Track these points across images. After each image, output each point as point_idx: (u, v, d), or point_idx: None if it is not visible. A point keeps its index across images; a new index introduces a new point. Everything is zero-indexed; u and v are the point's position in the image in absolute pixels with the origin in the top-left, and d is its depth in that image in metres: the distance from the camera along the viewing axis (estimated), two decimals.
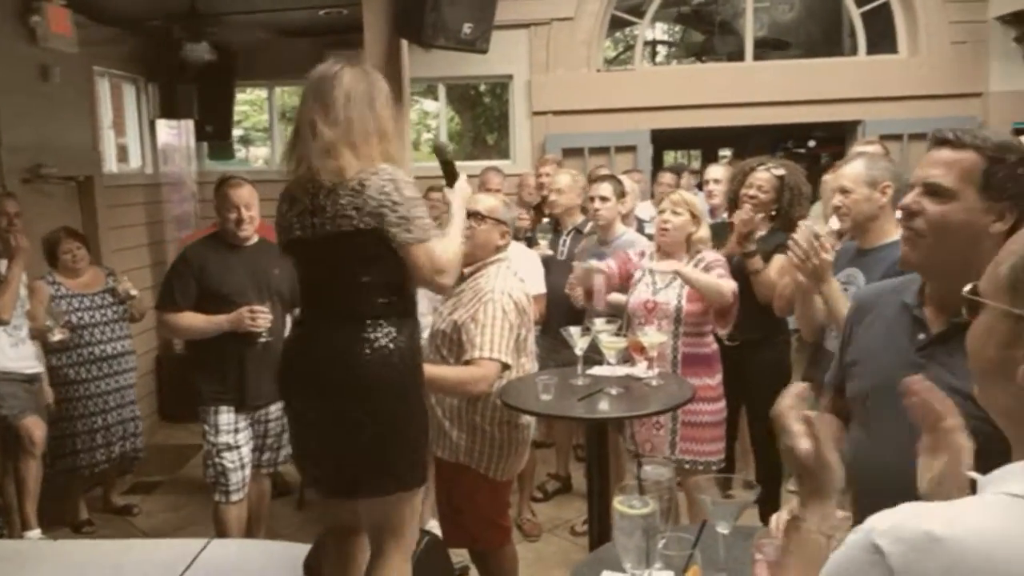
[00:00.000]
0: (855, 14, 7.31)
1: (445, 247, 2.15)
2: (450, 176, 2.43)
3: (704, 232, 3.26)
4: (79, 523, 4.32)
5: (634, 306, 3.21)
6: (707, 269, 3.12)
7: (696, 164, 10.50)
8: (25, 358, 3.92)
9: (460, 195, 2.38)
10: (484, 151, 8.94)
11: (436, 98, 8.07)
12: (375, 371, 2.06)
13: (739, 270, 3.23)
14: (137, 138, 6.65)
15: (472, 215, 2.77)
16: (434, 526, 3.78)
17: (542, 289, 3.88)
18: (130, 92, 6.57)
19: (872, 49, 7.34)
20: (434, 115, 8.86)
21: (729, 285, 3.05)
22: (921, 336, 1.44)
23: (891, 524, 0.83)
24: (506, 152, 7.54)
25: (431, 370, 2.61)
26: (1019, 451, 0.86)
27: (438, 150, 2.59)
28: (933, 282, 1.47)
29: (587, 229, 4.14)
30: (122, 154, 6.53)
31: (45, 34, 4.75)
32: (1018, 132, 6.08)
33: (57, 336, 4.02)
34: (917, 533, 0.80)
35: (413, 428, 2.15)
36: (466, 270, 2.83)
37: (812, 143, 9.83)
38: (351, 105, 2.09)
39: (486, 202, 2.92)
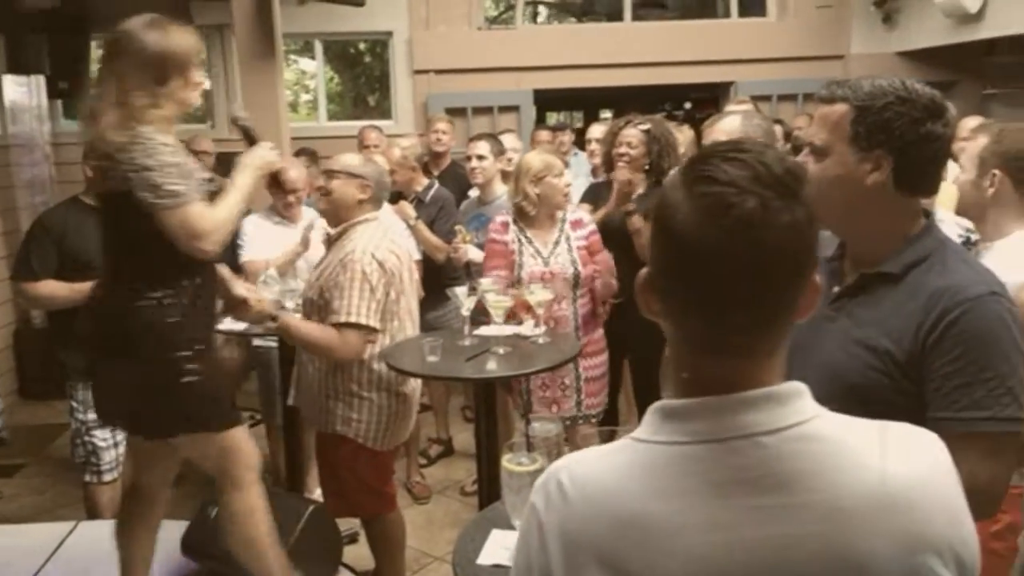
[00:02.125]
0: None
1: (205, 213, 2.16)
2: (252, 144, 2.43)
3: (567, 179, 3.32)
4: None
5: (530, 277, 3.17)
6: (589, 243, 3.24)
7: (579, 125, 10.59)
8: None
9: (250, 162, 2.36)
10: (365, 111, 8.70)
11: (313, 57, 7.77)
12: (150, 329, 2.17)
13: (620, 229, 3.28)
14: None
15: (325, 172, 2.81)
16: (319, 494, 3.73)
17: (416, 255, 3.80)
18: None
19: (744, 12, 7.56)
20: (312, 75, 8.53)
21: (606, 258, 3.19)
22: (835, 288, 1.43)
23: (543, 478, 0.87)
24: (388, 112, 7.37)
25: (303, 327, 2.67)
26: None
27: (235, 119, 2.55)
28: (839, 236, 1.45)
29: (428, 197, 4.04)
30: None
31: None
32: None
33: None
34: (553, 484, 0.84)
35: (199, 377, 2.22)
36: (332, 232, 2.78)
37: (688, 104, 10.08)
38: (129, 67, 2.12)
39: (340, 159, 2.83)
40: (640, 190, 3.38)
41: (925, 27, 6.84)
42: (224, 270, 3.59)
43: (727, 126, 2.63)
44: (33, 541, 2.91)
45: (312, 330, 2.65)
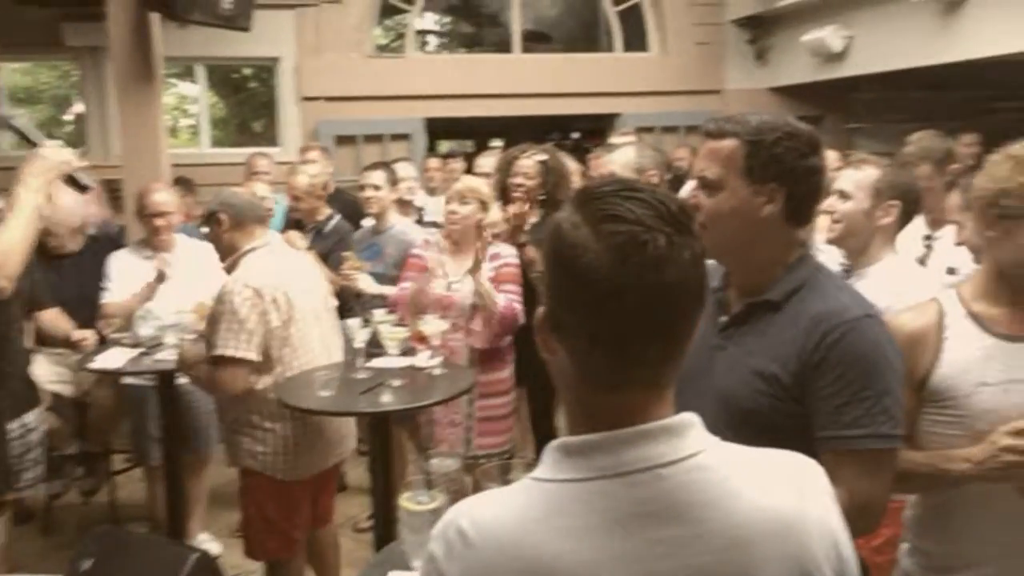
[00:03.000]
0: (611, 12, 7.76)
1: None
2: (30, 146, 2.12)
3: (494, 215, 3.22)
4: None
5: (428, 302, 3.12)
6: (497, 273, 3.10)
7: (470, 150, 10.67)
8: None
9: (31, 170, 2.04)
10: (251, 138, 8.47)
11: (195, 80, 7.51)
12: None
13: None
14: None
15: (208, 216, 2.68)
16: (203, 540, 3.54)
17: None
18: None
19: (628, 47, 7.83)
20: (193, 99, 8.25)
21: (504, 305, 3.01)
22: (722, 318, 1.45)
23: (441, 526, 0.85)
24: (274, 140, 7.20)
25: (194, 369, 2.64)
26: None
27: (2, 119, 2.25)
28: (727, 268, 1.48)
29: (328, 228, 3.97)
30: None
31: None
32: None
33: None
34: (453, 531, 0.83)
35: None
36: (224, 266, 2.69)
37: (576, 135, 10.33)
38: None
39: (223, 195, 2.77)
40: (533, 218, 3.40)
41: (794, 65, 7.27)
42: (50, 313, 3.37)
43: (622, 157, 2.71)
44: None
45: (201, 369, 2.59)
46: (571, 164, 4.22)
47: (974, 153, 3.57)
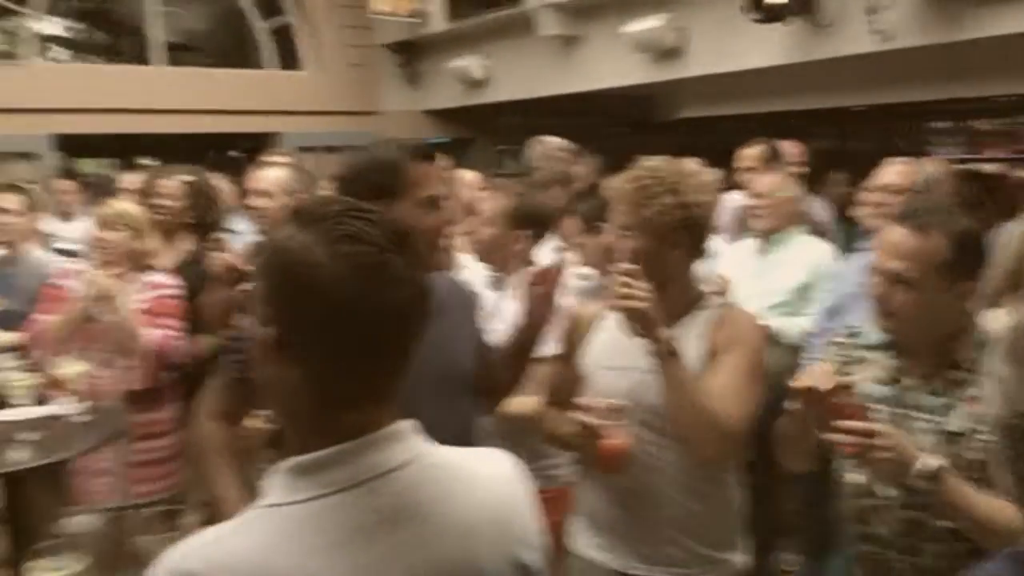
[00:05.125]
0: (260, 28, 7.60)
1: None
2: None
3: (150, 243, 2.99)
4: None
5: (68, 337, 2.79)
6: (154, 304, 2.90)
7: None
8: None
9: None
10: None
11: None
12: None
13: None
14: None
15: None
16: None
17: None
18: None
19: (283, 64, 7.73)
20: None
21: (148, 335, 2.83)
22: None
23: (168, 569, 0.82)
24: None
25: None
26: (288, 450, 0.91)
27: None
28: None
29: None
30: None
31: None
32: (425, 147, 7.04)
33: None
34: (180, 575, 0.81)
35: None
36: None
37: (234, 153, 9.93)
38: None
39: None
40: (187, 246, 3.23)
41: (443, 90, 7.73)
42: None
43: (274, 175, 2.75)
44: None
45: None
46: (224, 185, 4.07)
47: (591, 173, 4.06)
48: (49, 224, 4.58)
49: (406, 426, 0.91)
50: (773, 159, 3.62)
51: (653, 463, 1.65)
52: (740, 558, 1.74)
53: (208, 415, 1.63)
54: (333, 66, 7.71)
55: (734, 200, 3.56)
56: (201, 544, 0.83)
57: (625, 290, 1.52)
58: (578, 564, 1.78)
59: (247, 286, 2.30)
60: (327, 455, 0.85)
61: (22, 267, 3.33)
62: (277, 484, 0.86)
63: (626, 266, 1.56)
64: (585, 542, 1.78)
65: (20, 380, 2.44)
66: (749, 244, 3.10)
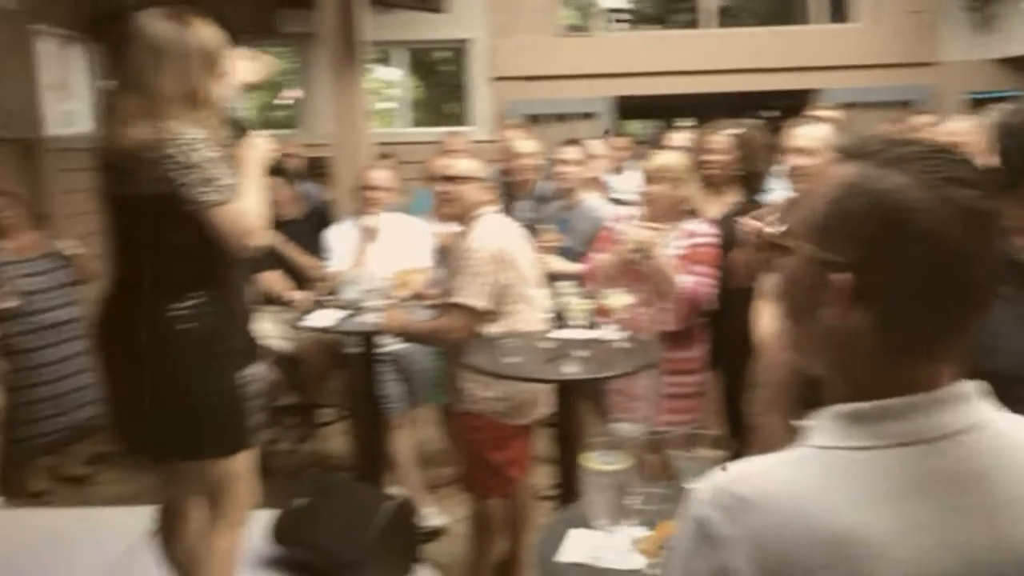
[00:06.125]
0: None
1: (252, 208, 2.06)
2: (243, 136, 2.25)
3: (688, 191, 3.15)
4: (37, 492, 4.23)
5: (617, 275, 3.11)
6: (690, 251, 3.06)
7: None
8: None
9: (253, 156, 2.18)
10: (443, 119, 8.84)
11: (391, 65, 7.93)
12: (169, 341, 2.03)
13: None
14: (86, 100, 6.43)
15: (449, 178, 2.91)
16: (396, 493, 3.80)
17: (427, 263, 3.86)
18: (77, 54, 6.34)
19: (830, 18, 7.40)
20: (389, 83, 8.72)
21: (688, 286, 2.99)
22: None
23: (710, 493, 0.82)
24: (466, 120, 7.47)
25: (408, 326, 2.99)
26: (828, 395, 0.86)
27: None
28: None
29: (541, 195, 4.11)
30: (72, 118, 6.32)
31: None
32: (976, 103, 6.19)
33: (5, 304, 3.90)
34: (731, 498, 0.80)
35: (218, 396, 2.11)
36: (458, 231, 2.97)
37: (767, 112, 9.92)
38: (154, 67, 1.99)
39: (459, 165, 2.99)
40: (734, 198, 3.33)
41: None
42: (270, 275, 3.72)
43: (816, 133, 2.61)
44: (125, 522, 3.05)
45: (417, 326, 3.00)
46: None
47: None
48: (605, 176, 5.14)
49: (971, 387, 0.82)
50: None
51: None
52: None
53: (783, 345, 1.65)
54: (888, 15, 7.13)
55: None
56: (749, 472, 0.84)
57: None
58: None
59: (773, 251, 2.27)
60: (891, 405, 0.80)
61: (578, 211, 3.81)
62: (826, 428, 0.83)
63: None
64: None
65: (578, 304, 2.79)
66: None
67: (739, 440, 2.94)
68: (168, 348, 2.03)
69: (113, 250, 2.14)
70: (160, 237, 2.02)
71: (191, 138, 1.95)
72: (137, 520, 2.99)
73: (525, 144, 4.20)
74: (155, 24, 2.01)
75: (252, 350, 2.29)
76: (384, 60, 8.36)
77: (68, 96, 6.31)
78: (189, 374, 2.05)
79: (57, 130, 5.91)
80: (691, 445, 1.59)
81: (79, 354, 4.29)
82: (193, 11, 2.07)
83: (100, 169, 2.05)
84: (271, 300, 3.97)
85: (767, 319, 2.47)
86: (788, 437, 1.17)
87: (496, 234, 2.86)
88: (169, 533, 2.36)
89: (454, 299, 2.80)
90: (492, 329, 2.84)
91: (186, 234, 2.00)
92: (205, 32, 2.06)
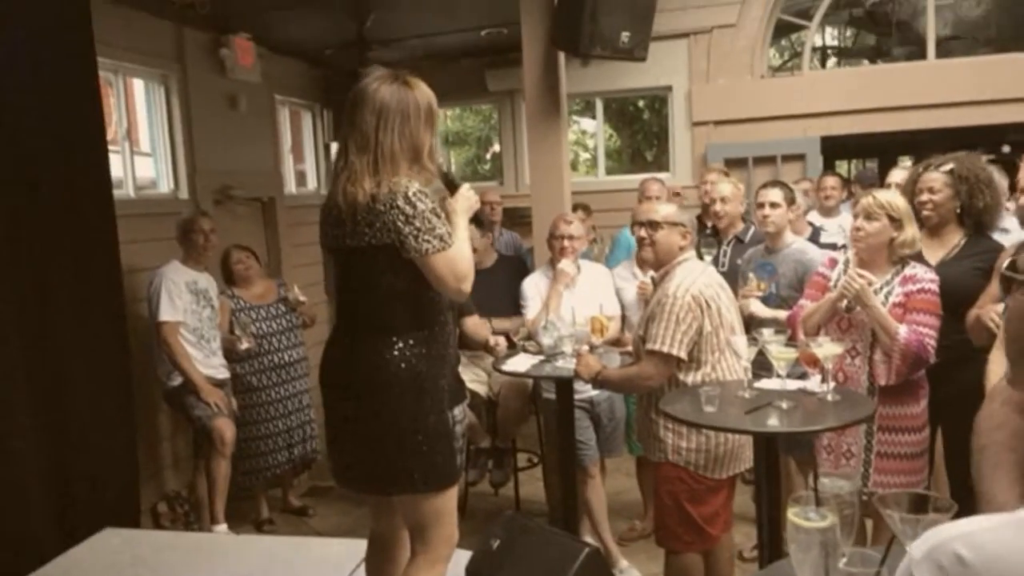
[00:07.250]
0: None
1: (464, 255, 2.18)
2: (451, 188, 2.37)
3: (909, 234, 2.91)
4: (260, 521, 4.61)
5: (825, 323, 2.97)
6: (908, 298, 2.84)
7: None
8: (215, 366, 4.25)
9: (459, 207, 2.30)
10: (643, 166, 8.86)
11: (592, 116, 8.08)
12: (386, 379, 2.15)
13: (947, 286, 2.89)
14: (313, 162, 7.09)
15: (649, 224, 2.94)
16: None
17: (617, 310, 3.95)
18: (307, 119, 7.03)
19: None
20: (591, 134, 8.89)
21: (905, 336, 2.76)
22: None
23: (927, 549, 0.80)
24: (665, 166, 7.43)
25: (602, 373, 3.00)
26: None
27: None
28: None
29: (747, 238, 3.99)
30: (301, 178, 6.99)
31: (233, 66, 5.18)
32: None
33: (244, 345, 4.33)
34: (950, 558, 0.77)
35: (432, 432, 2.19)
36: (655, 275, 3.01)
37: (1007, 148, 8.96)
38: (379, 127, 2.12)
39: (660, 209, 3.01)
40: (958, 240, 3.07)
41: None
42: (473, 320, 3.87)
43: None
44: (341, 553, 3.24)
45: (611, 374, 3.01)
46: (996, 176, 3.71)
47: None
48: (813, 218, 4.90)
49: None
50: None
51: None
52: None
53: (1004, 401, 1.51)
54: None
55: None
56: (969, 531, 0.78)
57: None
58: None
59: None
60: None
61: (783, 255, 3.64)
62: None
63: None
64: None
65: (782, 353, 2.65)
66: None
67: (962, 503, 2.64)
68: (385, 386, 2.15)
69: (337, 296, 2.34)
70: (381, 283, 2.17)
71: (414, 191, 2.10)
72: (351, 551, 3.17)
73: (725, 187, 4.12)
74: (381, 87, 2.17)
75: (460, 390, 2.40)
76: (584, 111, 8.54)
77: (300, 158, 7.00)
78: (405, 411, 2.17)
79: (290, 189, 6.56)
80: (910, 507, 1.45)
81: (302, 392, 4.68)
82: (413, 73, 2.24)
83: (330, 223, 2.23)
84: (468, 345, 4.11)
85: (998, 368, 2.22)
86: (1013, 499, 1.04)
87: (696, 280, 2.82)
88: (376, 566, 2.47)
89: (651, 346, 2.78)
90: (690, 378, 2.79)
91: (404, 280, 2.15)
92: (424, 92, 2.22)
